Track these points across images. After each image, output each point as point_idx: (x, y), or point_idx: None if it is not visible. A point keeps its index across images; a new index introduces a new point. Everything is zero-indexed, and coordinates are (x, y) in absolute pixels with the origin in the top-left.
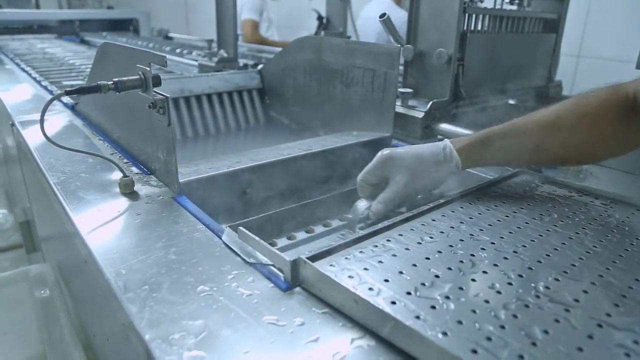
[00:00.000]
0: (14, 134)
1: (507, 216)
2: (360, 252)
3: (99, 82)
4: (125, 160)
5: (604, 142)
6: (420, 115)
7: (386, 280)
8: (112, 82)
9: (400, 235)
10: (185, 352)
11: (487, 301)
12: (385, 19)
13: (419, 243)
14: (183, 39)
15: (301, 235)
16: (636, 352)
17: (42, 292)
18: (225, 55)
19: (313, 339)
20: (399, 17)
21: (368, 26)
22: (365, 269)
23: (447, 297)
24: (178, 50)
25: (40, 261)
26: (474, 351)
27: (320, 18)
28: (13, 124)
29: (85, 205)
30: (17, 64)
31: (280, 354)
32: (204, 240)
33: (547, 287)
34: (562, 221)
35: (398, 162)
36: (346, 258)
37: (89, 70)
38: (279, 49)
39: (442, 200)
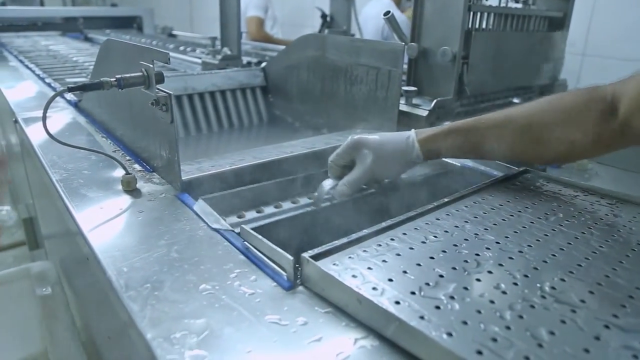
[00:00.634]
0: (17, 131)
1: (512, 215)
2: (364, 251)
3: (101, 79)
4: (128, 158)
5: (575, 142)
6: (424, 113)
7: (390, 280)
8: (114, 79)
9: (404, 234)
10: (187, 352)
11: (492, 301)
12: (389, 16)
13: (423, 242)
14: (187, 36)
15: (269, 210)
16: None
17: (44, 289)
18: (228, 52)
19: (316, 338)
20: (398, 18)
21: (367, 25)
22: (369, 268)
23: (452, 297)
24: (182, 48)
25: (43, 258)
26: (479, 352)
27: (324, 16)
28: (16, 121)
29: (87, 203)
30: (21, 61)
31: (283, 353)
32: (206, 238)
33: (553, 288)
34: (567, 221)
35: (364, 147)
36: (350, 257)
37: (92, 67)
38: (283, 47)
39: (446, 199)
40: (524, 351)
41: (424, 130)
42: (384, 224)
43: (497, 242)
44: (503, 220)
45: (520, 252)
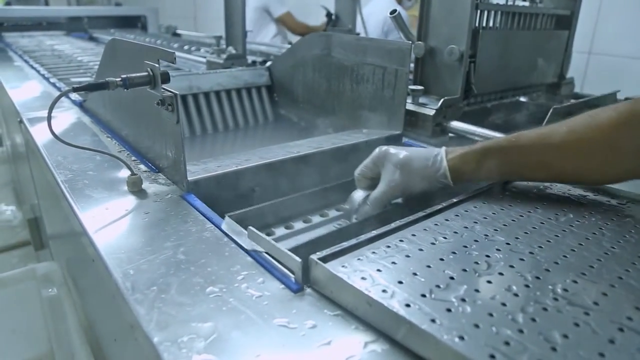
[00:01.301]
0: (22, 131)
1: (521, 216)
2: (373, 252)
3: (106, 79)
4: (133, 158)
5: (619, 158)
6: (431, 112)
7: (400, 282)
8: (120, 79)
9: (414, 235)
10: (195, 356)
11: (504, 304)
12: (396, 15)
13: (433, 243)
14: (191, 35)
15: (299, 225)
16: None
17: (50, 290)
18: (233, 52)
19: (325, 342)
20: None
21: (369, 20)
22: (379, 270)
23: (463, 300)
24: (186, 47)
25: (48, 258)
26: (492, 356)
27: (329, 15)
28: (21, 121)
29: (92, 203)
30: (26, 61)
31: (292, 357)
32: (213, 239)
33: (565, 290)
34: (578, 221)
35: (389, 161)
36: (359, 259)
37: (97, 67)
38: (287, 46)
39: (455, 200)
40: (537, 355)
41: (455, 149)
42: (392, 225)
43: (508, 243)
44: (513, 221)
45: (531, 253)
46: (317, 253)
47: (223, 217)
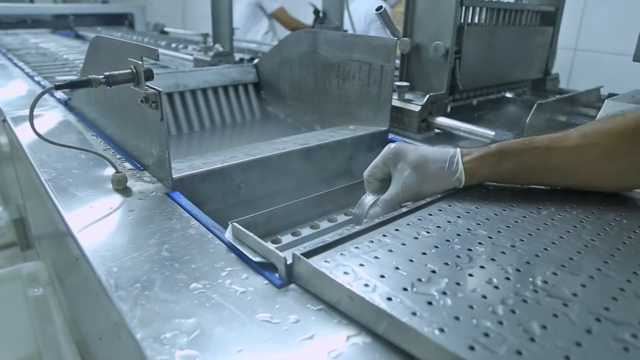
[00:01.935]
0: (5, 130)
1: (504, 210)
2: (356, 247)
3: (89, 76)
4: (118, 156)
5: (632, 166)
6: (417, 108)
7: (382, 276)
8: (103, 77)
9: (397, 230)
10: (178, 352)
11: (484, 296)
12: (382, 11)
13: (416, 238)
14: (179, 33)
15: (306, 231)
16: (635, 346)
17: (36, 290)
18: (220, 49)
19: (308, 336)
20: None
21: (355, 13)
22: (361, 264)
23: (444, 293)
24: (173, 45)
25: (34, 259)
26: (472, 348)
27: (316, 12)
28: (5, 120)
29: (77, 202)
30: (10, 59)
31: (275, 352)
32: (197, 236)
33: (545, 282)
34: (559, 215)
35: (402, 160)
36: (341, 254)
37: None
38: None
39: (439, 195)
40: (516, 346)
41: (470, 151)
42: (376, 220)
43: (490, 237)
44: (495, 215)
45: (512, 246)
46: (300, 247)
47: (208, 215)
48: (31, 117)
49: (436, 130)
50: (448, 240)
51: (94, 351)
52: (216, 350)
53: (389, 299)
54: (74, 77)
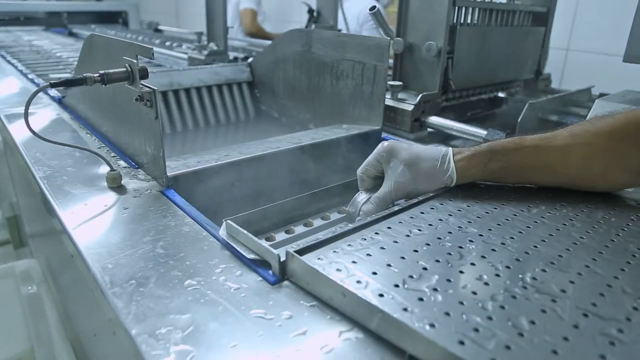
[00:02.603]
0: None
1: (495, 208)
2: (349, 245)
3: (84, 75)
4: (113, 154)
5: (620, 166)
6: (410, 108)
7: (374, 273)
8: (98, 75)
9: (389, 228)
10: (172, 347)
11: (474, 293)
12: (375, 11)
13: (407, 236)
14: (173, 31)
15: (300, 228)
16: (620, 341)
17: (29, 288)
18: (215, 48)
19: (301, 332)
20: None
21: (349, 12)
22: (354, 262)
23: (435, 289)
24: (168, 43)
25: (28, 256)
26: (461, 342)
27: (310, 11)
28: None
29: (71, 200)
30: (3, 57)
31: (268, 347)
32: (192, 234)
33: (534, 278)
34: (549, 213)
35: (396, 157)
36: (334, 251)
37: (76, 63)
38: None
39: (431, 193)
40: (505, 341)
41: (461, 150)
42: (369, 218)
43: (481, 235)
44: (486, 213)
45: (503, 244)
46: (293, 245)
47: (202, 212)
48: (26, 115)
49: (429, 130)
50: (439, 238)
51: (88, 348)
52: (210, 345)
53: (381, 295)
54: (68, 75)
